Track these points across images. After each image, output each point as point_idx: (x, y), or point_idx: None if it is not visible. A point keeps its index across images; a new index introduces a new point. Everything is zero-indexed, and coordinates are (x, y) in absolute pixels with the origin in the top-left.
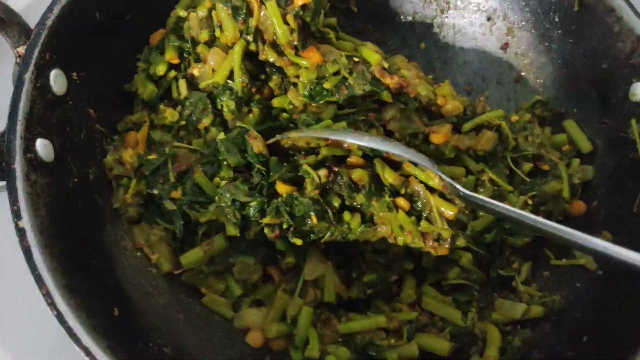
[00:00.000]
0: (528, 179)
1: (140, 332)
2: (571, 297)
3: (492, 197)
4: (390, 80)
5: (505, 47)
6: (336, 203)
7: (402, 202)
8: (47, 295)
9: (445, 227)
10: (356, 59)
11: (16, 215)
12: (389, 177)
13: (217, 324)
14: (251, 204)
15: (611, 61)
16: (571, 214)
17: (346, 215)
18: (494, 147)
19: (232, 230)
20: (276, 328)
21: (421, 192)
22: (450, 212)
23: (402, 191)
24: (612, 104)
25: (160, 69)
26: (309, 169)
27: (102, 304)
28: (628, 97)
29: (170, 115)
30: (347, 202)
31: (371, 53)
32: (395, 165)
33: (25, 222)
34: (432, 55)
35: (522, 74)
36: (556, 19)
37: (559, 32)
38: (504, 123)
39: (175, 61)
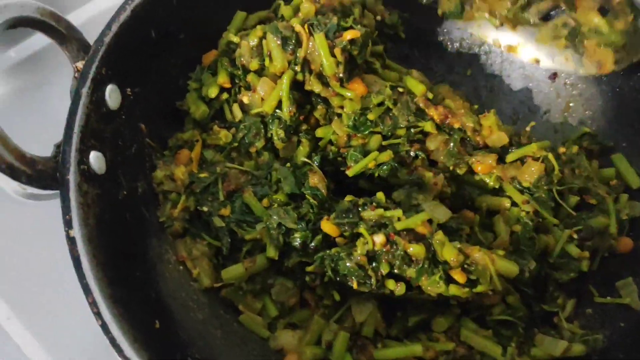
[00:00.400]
0: (574, 213)
1: (178, 345)
2: (614, 336)
3: (536, 230)
4: (434, 112)
5: (553, 77)
6: (384, 270)
7: (458, 275)
8: (93, 304)
9: (500, 283)
10: (401, 90)
11: (67, 224)
12: (447, 254)
13: (254, 342)
14: (296, 234)
15: None
16: (617, 251)
17: (390, 284)
18: (539, 179)
19: (272, 252)
20: (311, 351)
21: (481, 262)
22: (512, 273)
23: (459, 264)
24: None
25: (213, 92)
26: (365, 233)
27: (143, 315)
28: None
29: (224, 136)
30: (395, 271)
31: (416, 83)
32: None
33: (76, 231)
34: (479, 82)
35: (571, 104)
36: None
37: None
38: (551, 154)
39: (227, 85)
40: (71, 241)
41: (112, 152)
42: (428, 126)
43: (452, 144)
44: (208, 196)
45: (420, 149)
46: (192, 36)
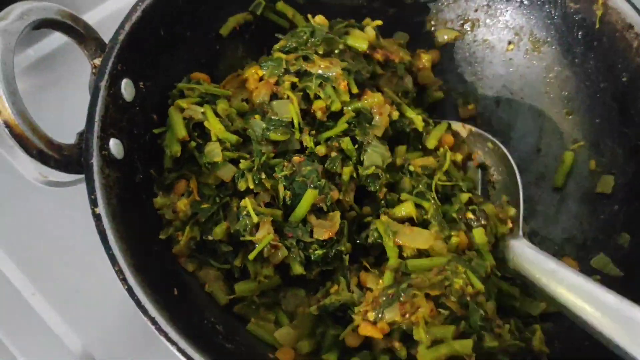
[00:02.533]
0: None
1: (195, 309)
2: None
3: None
4: (378, 55)
5: (531, 61)
6: None
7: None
8: (120, 272)
9: None
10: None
11: (93, 203)
12: None
13: None
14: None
15: (631, 75)
16: None
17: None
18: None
19: (299, 269)
20: (305, 344)
21: None
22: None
23: None
24: (631, 114)
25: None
26: None
27: (163, 283)
28: None
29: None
30: None
31: (358, 40)
32: None
33: (101, 209)
34: (464, 68)
35: (548, 87)
36: (579, 36)
37: (582, 47)
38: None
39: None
40: (97, 217)
41: (128, 139)
42: (377, 69)
43: (398, 77)
44: (212, 225)
45: (372, 84)
46: (197, 34)
